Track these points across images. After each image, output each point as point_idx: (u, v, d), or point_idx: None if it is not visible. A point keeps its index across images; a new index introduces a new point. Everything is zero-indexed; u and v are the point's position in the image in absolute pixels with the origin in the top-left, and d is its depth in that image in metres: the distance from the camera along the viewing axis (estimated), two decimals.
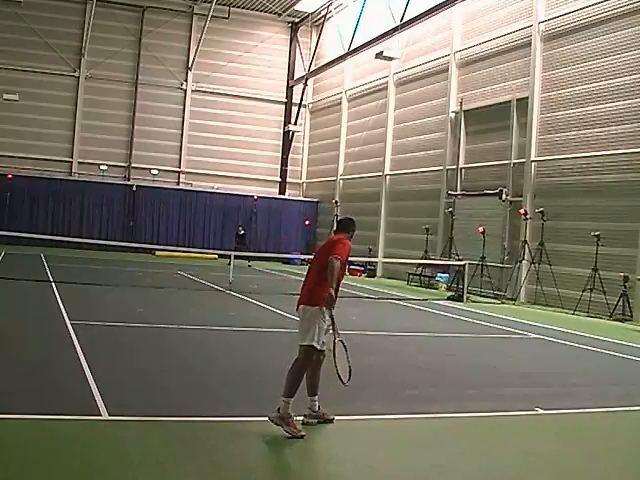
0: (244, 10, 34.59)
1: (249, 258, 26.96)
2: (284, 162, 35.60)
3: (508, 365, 9.99)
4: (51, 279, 16.72)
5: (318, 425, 5.92)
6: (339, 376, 5.72)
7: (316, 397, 5.99)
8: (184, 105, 34.07)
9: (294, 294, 6.61)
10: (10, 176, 29.52)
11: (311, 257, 6.84)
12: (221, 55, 34.48)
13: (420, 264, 23.68)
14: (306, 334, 5.77)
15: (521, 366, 9.89)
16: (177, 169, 34.09)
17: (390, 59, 27.08)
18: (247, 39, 34.89)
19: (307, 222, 33.73)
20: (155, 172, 33.11)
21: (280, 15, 35.01)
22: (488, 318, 15.49)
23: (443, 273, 23.06)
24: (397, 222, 27.71)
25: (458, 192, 23.67)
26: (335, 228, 6.63)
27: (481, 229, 20.60)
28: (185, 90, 34.07)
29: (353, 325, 13.22)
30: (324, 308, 5.78)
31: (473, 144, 23.69)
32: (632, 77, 17.48)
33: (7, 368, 7.39)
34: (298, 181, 36.52)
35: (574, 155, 19.07)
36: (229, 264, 19.02)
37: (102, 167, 32.48)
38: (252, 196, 33.46)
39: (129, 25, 33.11)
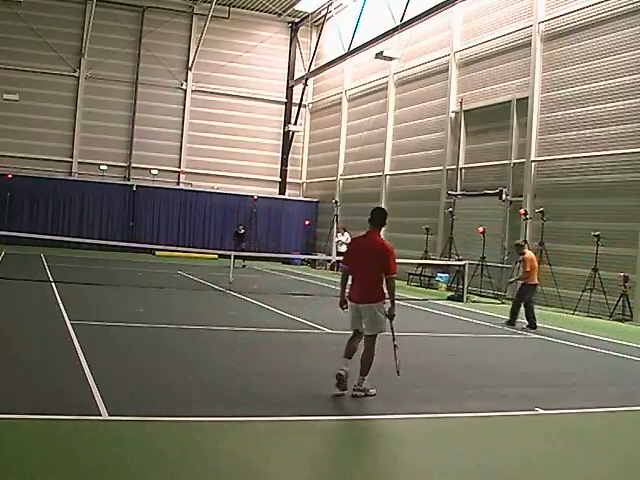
0: (244, 10, 34.57)
1: (244, 258, 26.54)
2: (284, 162, 35.57)
3: (508, 365, 9.99)
4: (51, 279, 16.72)
5: (318, 425, 5.92)
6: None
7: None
8: (184, 105, 34.04)
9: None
10: (10, 176, 29.46)
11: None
12: (221, 55, 34.46)
13: (420, 264, 23.67)
14: (374, 325, 7.18)
15: (521, 366, 9.89)
16: (177, 169, 34.05)
17: (390, 59, 27.04)
18: (247, 39, 34.87)
19: (307, 222, 33.72)
20: (155, 172, 33.06)
21: (280, 15, 34.99)
22: (488, 318, 15.49)
23: (443, 273, 23.06)
24: (397, 222, 27.64)
25: (458, 192, 23.67)
26: (371, 221, 7.29)
27: (481, 229, 20.60)
28: (185, 90, 34.05)
29: None
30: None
31: (473, 144, 23.68)
32: (632, 77, 17.47)
33: (7, 368, 7.39)
34: (298, 181, 36.51)
35: (574, 155, 19.07)
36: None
37: (102, 167, 32.44)
38: (252, 196, 33.41)
39: (129, 25, 33.08)
